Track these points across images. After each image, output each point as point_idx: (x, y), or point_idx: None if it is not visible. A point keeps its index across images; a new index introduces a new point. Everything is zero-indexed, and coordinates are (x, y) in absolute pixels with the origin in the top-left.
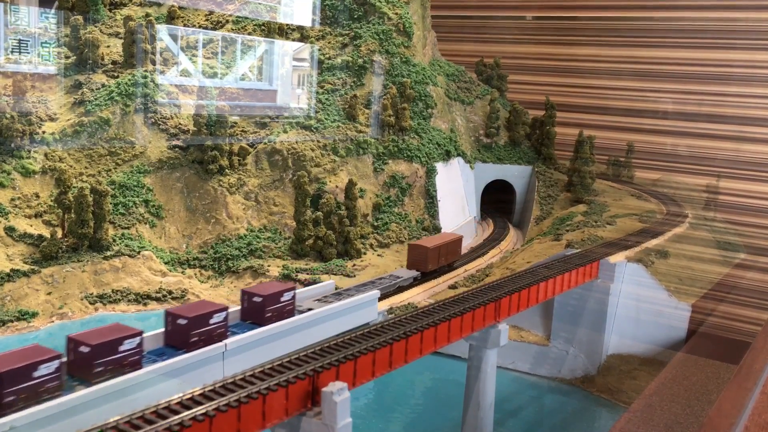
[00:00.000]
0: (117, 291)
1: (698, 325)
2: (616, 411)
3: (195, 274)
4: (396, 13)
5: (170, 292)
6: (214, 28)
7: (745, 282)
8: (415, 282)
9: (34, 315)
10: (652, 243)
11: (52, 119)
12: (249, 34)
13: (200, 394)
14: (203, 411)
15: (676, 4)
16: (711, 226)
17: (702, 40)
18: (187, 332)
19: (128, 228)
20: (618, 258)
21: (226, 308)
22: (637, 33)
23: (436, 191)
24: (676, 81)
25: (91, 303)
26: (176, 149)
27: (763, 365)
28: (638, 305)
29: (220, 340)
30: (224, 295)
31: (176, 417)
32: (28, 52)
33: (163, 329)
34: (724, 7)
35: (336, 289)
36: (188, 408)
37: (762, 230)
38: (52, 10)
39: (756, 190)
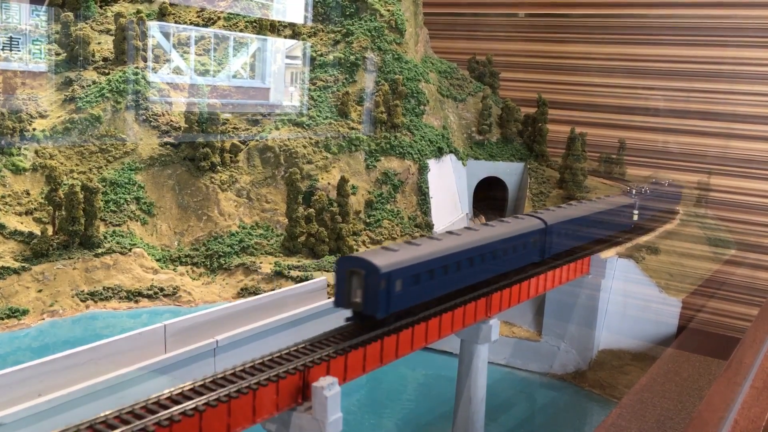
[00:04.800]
0: (108, 288)
1: (688, 320)
2: (608, 406)
3: (187, 272)
4: (388, 10)
5: (162, 289)
6: (205, 25)
7: (735, 278)
8: None
9: (24, 312)
10: (643, 239)
11: (42, 116)
12: (241, 31)
13: (190, 389)
14: (193, 406)
15: (667, 1)
16: (701, 223)
17: (692, 37)
18: None
19: (119, 225)
20: (609, 254)
21: None
22: (629, 30)
23: (428, 188)
24: (667, 78)
25: (82, 300)
26: (168, 146)
27: (752, 360)
28: (629, 301)
29: None
30: (216, 292)
31: (166, 412)
32: (19, 50)
33: None
34: (714, 4)
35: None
36: (178, 403)
37: (752, 227)
38: (43, 7)
39: (746, 187)
